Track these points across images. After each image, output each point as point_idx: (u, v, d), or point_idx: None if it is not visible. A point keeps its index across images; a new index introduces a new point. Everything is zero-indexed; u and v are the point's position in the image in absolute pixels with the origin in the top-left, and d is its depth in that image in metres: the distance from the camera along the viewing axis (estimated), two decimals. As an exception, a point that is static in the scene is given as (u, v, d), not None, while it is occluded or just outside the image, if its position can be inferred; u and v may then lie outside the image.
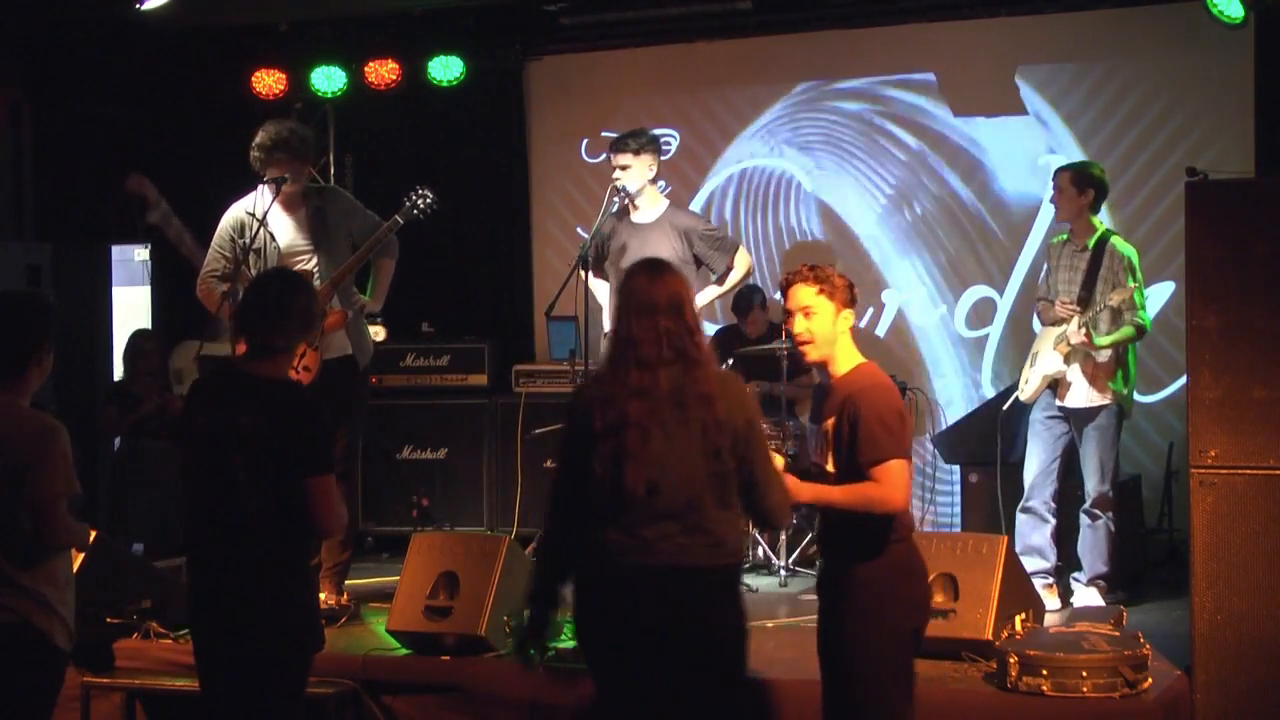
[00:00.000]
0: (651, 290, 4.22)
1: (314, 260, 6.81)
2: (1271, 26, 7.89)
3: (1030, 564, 7.01)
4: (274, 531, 4.49)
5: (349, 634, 6.39)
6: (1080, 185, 7.05)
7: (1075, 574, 7.01)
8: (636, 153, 7.02)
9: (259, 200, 6.78)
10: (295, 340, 4.65)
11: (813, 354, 4.52)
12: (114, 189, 6.75)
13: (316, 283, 6.76)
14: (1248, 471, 5.33)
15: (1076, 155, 8.46)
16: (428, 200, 6.83)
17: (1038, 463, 7.06)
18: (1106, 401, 6.90)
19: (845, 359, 4.54)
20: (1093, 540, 6.92)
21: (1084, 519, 6.97)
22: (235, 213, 6.87)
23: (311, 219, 6.86)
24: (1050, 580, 6.99)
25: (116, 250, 10.21)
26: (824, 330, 4.49)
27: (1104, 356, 6.89)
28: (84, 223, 10.12)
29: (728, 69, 9.40)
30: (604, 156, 9.47)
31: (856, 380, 4.50)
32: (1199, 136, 8.37)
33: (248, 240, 6.73)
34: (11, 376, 4.49)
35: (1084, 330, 6.82)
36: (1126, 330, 6.88)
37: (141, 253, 10.17)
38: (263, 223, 6.72)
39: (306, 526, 4.54)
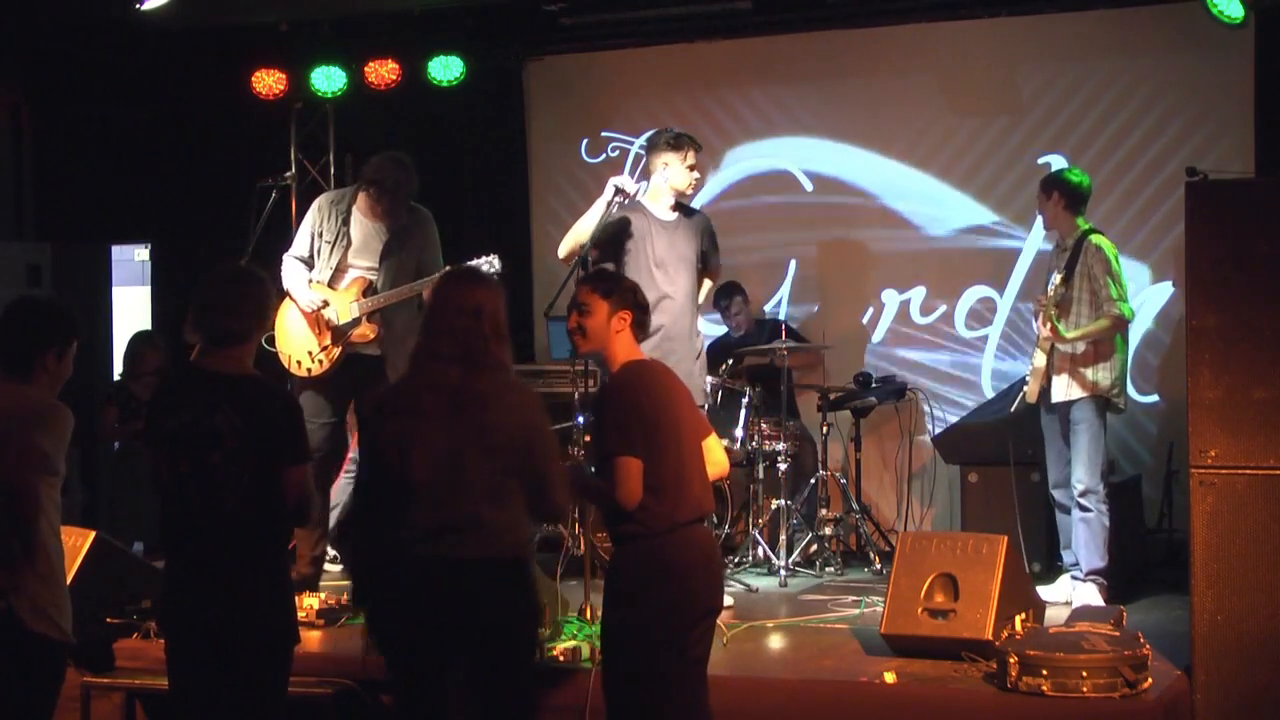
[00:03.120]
0: (459, 295, 4.46)
1: (376, 273, 6.90)
2: (1271, 26, 7.89)
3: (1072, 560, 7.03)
4: (252, 529, 4.53)
5: (349, 634, 6.38)
6: (1047, 190, 7.10)
7: (1074, 570, 6.99)
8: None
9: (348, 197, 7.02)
10: (250, 327, 4.63)
11: (584, 346, 4.74)
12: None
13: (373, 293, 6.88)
14: (1248, 471, 5.32)
15: (1075, 155, 8.47)
16: (494, 269, 6.69)
17: (1052, 461, 7.08)
18: (1084, 394, 6.88)
19: (619, 356, 4.70)
20: (1086, 534, 6.89)
21: (1075, 513, 6.95)
22: (327, 199, 7.10)
23: (395, 234, 6.94)
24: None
25: (116, 250, 10.23)
26: (595, 326, 4.68)
27: (1079, 348, 6.87)
28: (84, 223, 10.13)
29: (728, 69, 9.40)
30: (603, 156, 9.53)
31: (613, 378, 4.71)
32: (1201, 137, 8.36)
33: (325, 228, 6.91)
34: (19, 378, 4.49)
35: (1048, 325, 6.82)
36: (1101, 322, 6.85)
37: (141, 253, 10.19)
38: (345, 219, 6.89)
39: (283, 522, 4.64)
